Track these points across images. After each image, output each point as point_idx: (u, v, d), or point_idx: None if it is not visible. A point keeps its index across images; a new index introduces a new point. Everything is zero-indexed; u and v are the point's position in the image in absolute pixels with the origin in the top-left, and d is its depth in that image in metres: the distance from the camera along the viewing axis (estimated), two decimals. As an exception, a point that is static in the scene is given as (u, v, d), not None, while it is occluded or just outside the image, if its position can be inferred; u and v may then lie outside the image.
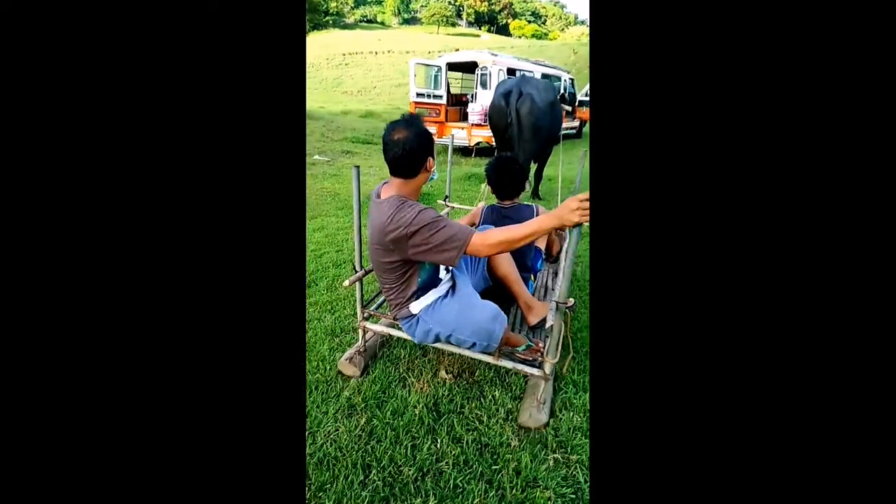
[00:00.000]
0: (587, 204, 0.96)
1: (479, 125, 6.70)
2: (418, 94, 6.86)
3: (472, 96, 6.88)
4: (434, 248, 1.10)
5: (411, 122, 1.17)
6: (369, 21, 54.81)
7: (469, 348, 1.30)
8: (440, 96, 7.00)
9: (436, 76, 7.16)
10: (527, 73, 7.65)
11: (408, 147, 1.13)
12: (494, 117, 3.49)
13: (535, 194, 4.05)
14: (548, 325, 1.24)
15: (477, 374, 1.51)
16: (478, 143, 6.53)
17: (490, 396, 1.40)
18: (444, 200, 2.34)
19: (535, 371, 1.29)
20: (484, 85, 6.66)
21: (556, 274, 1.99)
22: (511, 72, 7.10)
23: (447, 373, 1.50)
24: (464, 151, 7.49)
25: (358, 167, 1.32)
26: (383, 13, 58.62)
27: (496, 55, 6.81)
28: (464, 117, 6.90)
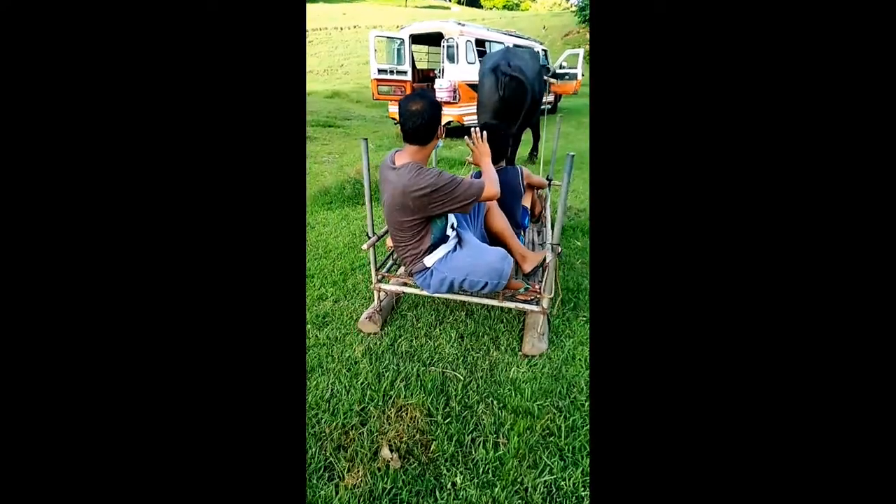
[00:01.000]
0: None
1: (448, 103, 6.16)
2: (380, 71, 6.23)
3: (439, 71, 6.31)
4: (454, 199, 1.30)
5: (424, 94, 1.33)
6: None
7: (481, 290, 1.47)
8: (404, 72, 6.40)
9: (398, 50, 6.52)
10: (498, 44, 7.12)
11: (426, 116, 1.28)
12: (485, 91, 3.47)
13: (534, 154, 4.49)
14: (547, 262, 1.51)
15: (433, 448, 1.11)
16: (448, 123, 6.02)
17: (449, 485, 1.01)
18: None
19: (535, 307, 1.50)
20: (451, 58, 6.09)
21: (538, 232, 2.21)
22: (480, 43, 6.55)
23: (392, 450, 1.10)
24: (433, 132, 6.97)
25: (366, 139, 1.44)
26: (348, -14, 55.62)
27: (463, 25, 6.21)
28: (431, 95, 6.37)
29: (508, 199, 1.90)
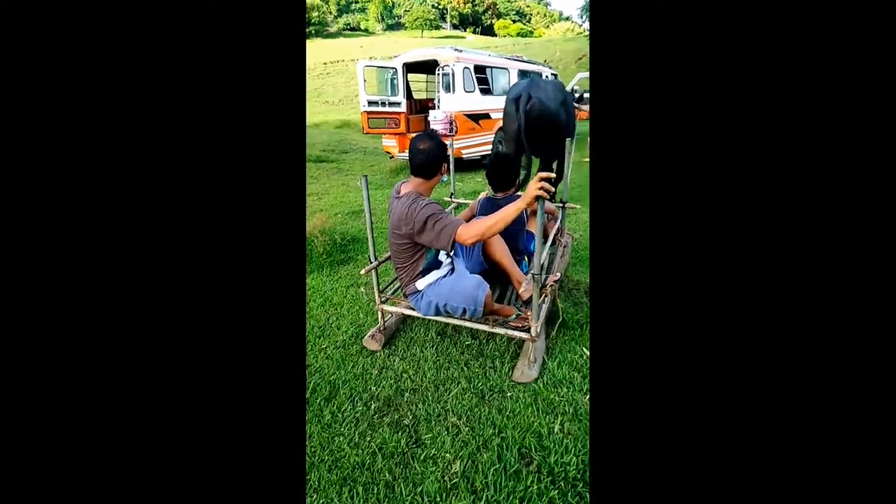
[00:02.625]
0: (544, 183, 1.21)
1: (444, 136, 5.57)
2: (370, 103, 5.72)
3: (437, 102, 5.78)
4: (433, 235, 1.40)
5: (432, 135, 1.54)
6: (353, 29, 54.03)
7: (461, 315, 1.56)
8: (398, 103, 5.88)
9: (392, 80, 6.03)
10: (500, 70, 6.57)
11: (431, 155, 1.49)
12: (506, 123, 3.46)
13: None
14: (523, 292, 1.65)
15: None
16: (444, 157, 5.42)
17: None
18: (450, 197, 2.62)
19: (524, 335, 1.51)
20: (447, 87, 5.55)
21: (550, 254, 2.14)
22: (480, 70, 6.00)
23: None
24: (431, 166, 6.38)
25: (366, 176, 1.57)
26: (367, 20, 57.83)
27: (461, 51, 5.69)
28: (429, 127, 5.78)
29: (512, 226, 1.77)
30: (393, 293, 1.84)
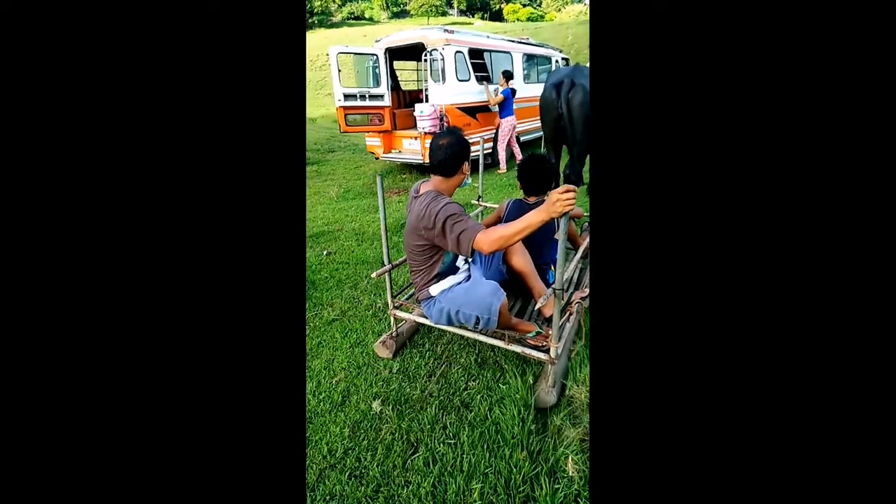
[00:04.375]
0: (569, 195, 1.08)
1: (434, 134, 4.70)
2: (346, 96, 4.86)
3: (425, 93, 4.90)
4: (453, 238, 1.29)
5: (454, 132, 1.47)
6: (357, 18, 52.73)
7: (475, 325, 1.42)
8: (380, 96, 5.02)
9: (373, 69, 5.16)
10: (502, 54, 5.64)
11: (451, 152, 1.41)
12: (545, 109, 3.25)
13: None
14: (541, 307, 1.45)
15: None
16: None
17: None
18: (478, 200, 2.61)
19: (542, 355, 1.36)
20: (437, 76, 4.67)
21: (581, 268, 2.02)
22: (476, 53, 5.10)
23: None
24: (420, 169, 5.52)
25: (381, 175, 1.50)
26: (371, 9, 56.38)
27: (451, 32, 4.79)
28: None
29: (538, 236, 1.52)
30: (406, 299, 1.77)
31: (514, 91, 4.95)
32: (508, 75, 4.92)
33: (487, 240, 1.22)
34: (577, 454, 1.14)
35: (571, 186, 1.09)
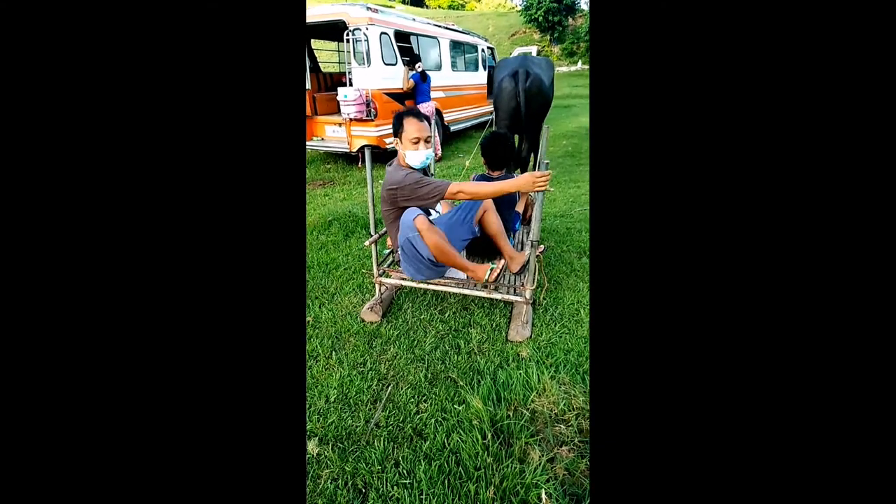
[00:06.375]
0: (545, 178, 1.39)
1: (361, 121, 4.38)
2: (258, 76, 4.32)
3: (348, 76, 4.53)
4: (419, 197, 1.53)
5: (412, 111, 1.67)
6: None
7: (412, 249, 1.59)
8: (298, 78, 4.54)
9: (289, 47, 4.65)
10: (429, 39, 5.43)
11: (393, 124, 1.67)
12: (502, 99, 3.36)
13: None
14: (508, 262, 1.78)
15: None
16: (363, 148, 4.23)
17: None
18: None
19: (518, 298, 1.62)
20: (361, 58, 4.33)
21: (528, 233, 2.18)
22: (402, 36, 4.83)
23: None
24: (347, 158, 5.15)
25: (369, 146, 1.74)
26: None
27: (376, 11, 4.46)
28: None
29: (505, 207, 1.94)
30: (388, 265, 1.90)
31: (423, 74, 4.75)
32: (415, 58, 4.71)
33: (460, 187, 1.47)
34: (548, 482, 1.04)
35: (546, 172, 1.40)
